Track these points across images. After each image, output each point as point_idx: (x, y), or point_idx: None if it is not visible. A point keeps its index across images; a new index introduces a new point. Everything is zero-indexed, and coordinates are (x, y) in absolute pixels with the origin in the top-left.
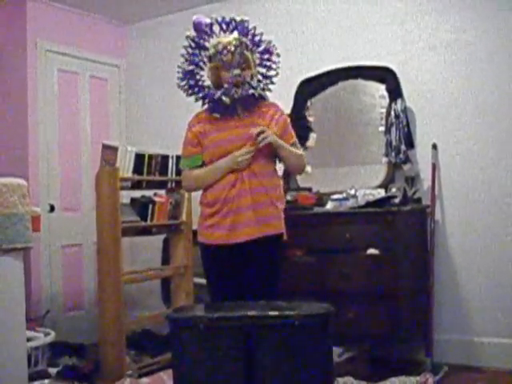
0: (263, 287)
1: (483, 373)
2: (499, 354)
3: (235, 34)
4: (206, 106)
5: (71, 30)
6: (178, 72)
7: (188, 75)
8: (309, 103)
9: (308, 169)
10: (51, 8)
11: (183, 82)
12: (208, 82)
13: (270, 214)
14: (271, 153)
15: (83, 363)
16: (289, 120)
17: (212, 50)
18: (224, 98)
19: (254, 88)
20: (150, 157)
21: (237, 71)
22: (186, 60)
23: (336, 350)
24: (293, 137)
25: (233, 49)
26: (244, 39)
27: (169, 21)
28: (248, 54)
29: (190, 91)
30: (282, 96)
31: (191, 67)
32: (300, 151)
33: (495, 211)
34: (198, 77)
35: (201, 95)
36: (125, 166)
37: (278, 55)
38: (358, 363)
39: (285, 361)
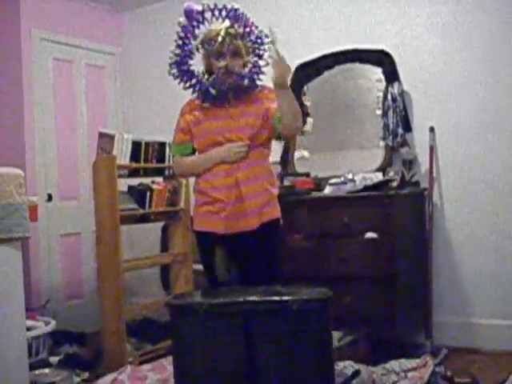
0: (263, 273)
1: (482, 354)
2: (498, 336)
3: (226, 22)
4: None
5: (66, 19)
6: (170, 58)
7: (177, 63)
8: (305, 88)
9: (305, 153)
10: None
11: (173, 70)
12: (200, 69)
13: (265, 202)
14: (264, 141)
15: (84, 352)
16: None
17: (202, 38)
18: (211, 89)
19: (242, 78)
20: (147, 144)
21: (223, 63)
22: (177, 47)
23: (336, 334)
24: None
25: (220, 39)
26: (235, 27)
27: (164, 7)
28: (239, 42)
29: (179, 79)
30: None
31: (181, 54)
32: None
33: (493, 193)
34: (186, 66)
35: (189, 84)
36: (122, 154)
37: (273, 42)
38: (357, 347)
39: (284, 346)
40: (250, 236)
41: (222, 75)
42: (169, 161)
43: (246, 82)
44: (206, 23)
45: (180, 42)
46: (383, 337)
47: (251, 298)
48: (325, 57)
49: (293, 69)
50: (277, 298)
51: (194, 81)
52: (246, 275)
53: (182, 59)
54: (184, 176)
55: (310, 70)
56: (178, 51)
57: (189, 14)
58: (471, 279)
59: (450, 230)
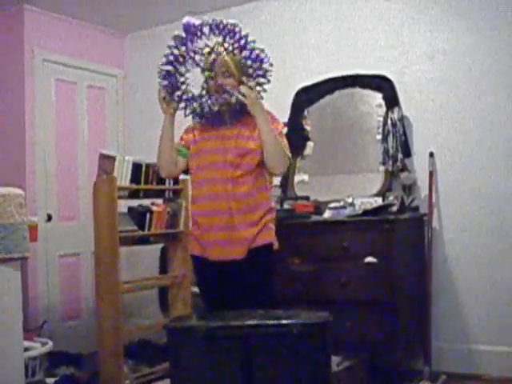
0: (256, 298)
1: (481, 381)
2: (497, 362)
3: (219, 39)
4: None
5: (69, 40)
6: (158, 72)
7: (165, 76)
8: (306, 112)
9: (305, 177)
10: (49, 18)
11: (164, 82)
12: (192, 88)
13: (256, 232)
14: (257, 166)
15: (81, 373)
16: (273, 115)
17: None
18: (208, 107)
19: (231, 95)
20: (148, 166)
21: (214, 81)
22: (167, 62)
23: (334, 359)
24: (276, 128)
25: (210, 58)
26: (229, 48)
27: (167, 30)
28: (230, 61)
29: (169, 97)
30: (278, 105)
31: (168, 68)
32: (283, 141)
33: (493, 219)
34: (173, 79)
35: (177, 97)
36: (122, 176)
37: (271, 65)
38: (356, 372)
39: (283, 370)
40: (240, 263)
41: (214, 91)
42: (169, 183)
43: (233, 99)
44: (204, 38)
45: (169, 56)
46: (382, 362)
47: (250, 322)
48: (326, 81)
49: (294, 93)
50: (276, 322)
51: (180, 93)
52: (240, 299)
53: (167, 73)
54: (161, 161)
55: (311, 94)
56: (165, 65)
57: (187, 28)
58: (470, 305)
59: (449, 255)
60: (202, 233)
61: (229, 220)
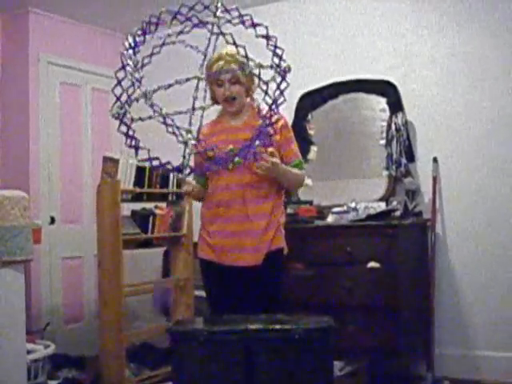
0: (264, 304)
1: None
2: (501, 368)
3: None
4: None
5: (73, 43)
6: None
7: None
8: (309, 116)
9: (309, 182)
10: (53, 21)
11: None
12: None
13: (271, 237)
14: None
15: (83, 376)
16: (291, 133)
17: (205, 64)
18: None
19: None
20: (151, 169)
21: (224, 91)
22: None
23: (337, 364)
24: (295, 154)
25: (217, 66)
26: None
27: (172, 34)
28: (238, 67)
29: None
30: (282, 109)
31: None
32: (300, 171)
33: (496, 225)
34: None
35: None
36: (126, 179)
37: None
38: (358, 377)
39: (285, 375)
40: (253, 268)
41: (223, 101)
42: (172, 186)
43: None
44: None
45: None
46: (384, 367)
47: (253, 326)
48: (329, 86)
49: (298, 97)
50: (279, 327)
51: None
52: (247, 303)
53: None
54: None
55: (315, 98)
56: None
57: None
58: (473, 310)
59: (452, 260)
60: (214, 238)
61: (245, 225)
